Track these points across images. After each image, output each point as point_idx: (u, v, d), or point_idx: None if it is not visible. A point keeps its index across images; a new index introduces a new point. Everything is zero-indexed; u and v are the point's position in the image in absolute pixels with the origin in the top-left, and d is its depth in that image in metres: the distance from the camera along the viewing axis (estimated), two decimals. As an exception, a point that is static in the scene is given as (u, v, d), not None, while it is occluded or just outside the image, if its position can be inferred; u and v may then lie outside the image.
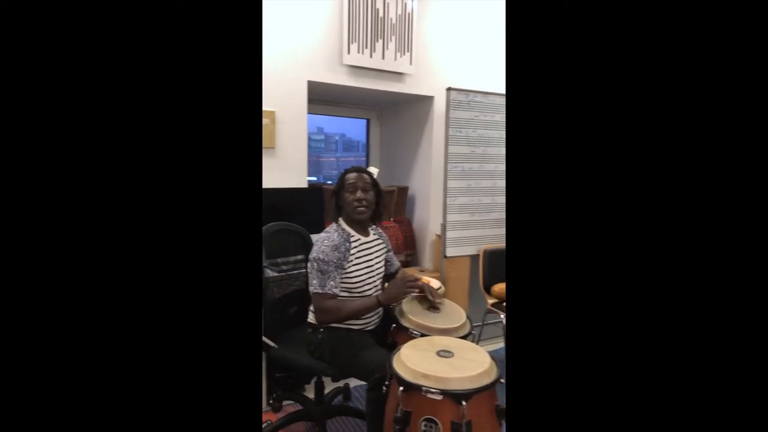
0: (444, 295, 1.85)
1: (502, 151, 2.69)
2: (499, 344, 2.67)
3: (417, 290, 1.61)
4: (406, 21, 2.51)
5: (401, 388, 1.14)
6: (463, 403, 1.07)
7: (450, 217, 2.56)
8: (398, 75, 2.55)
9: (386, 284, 1.74)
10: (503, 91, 2.69)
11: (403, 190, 2.96)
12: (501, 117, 2.66)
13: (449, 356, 1.22)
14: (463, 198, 2.60)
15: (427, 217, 2.87)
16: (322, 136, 4.26)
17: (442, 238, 2.58)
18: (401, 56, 2.51)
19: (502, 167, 2.71)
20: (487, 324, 2.63)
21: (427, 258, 2.90)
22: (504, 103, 2.66)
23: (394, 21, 2.45)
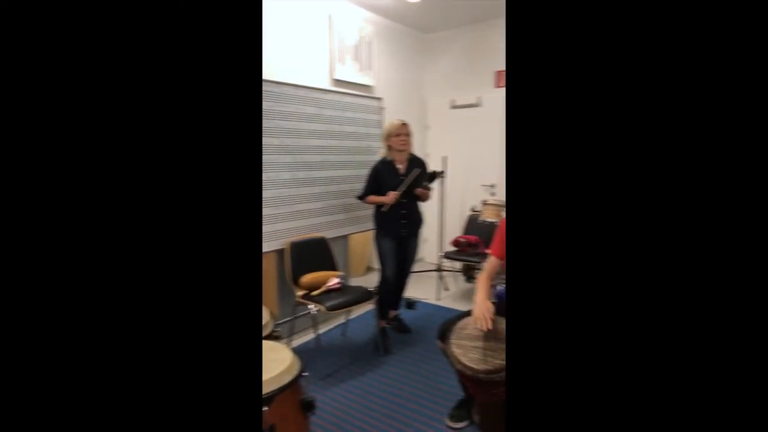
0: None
1: (300, 141, 2.69)
2: (310, 336, 2.69)
3: None
4: None
5: (193, 410, 1.00)
6: (264, 408, 1.01)
7: (251, 212, 2.43)
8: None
9: None
10: (295, 81, 2.68)
11: (197, 186, 2.67)
12: (295, 108, 2.64)
13: (249, 361, 1.14)
14: (265, 192, 2.50)
15: (227, 214, 2.67)
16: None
17: (244, 235, 2.43)
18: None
19: (301, 158, 2.70)
20: (298, 317, 2.62)
21: (231, 258, 2.70)
22: (297, 93, 2.65)
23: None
